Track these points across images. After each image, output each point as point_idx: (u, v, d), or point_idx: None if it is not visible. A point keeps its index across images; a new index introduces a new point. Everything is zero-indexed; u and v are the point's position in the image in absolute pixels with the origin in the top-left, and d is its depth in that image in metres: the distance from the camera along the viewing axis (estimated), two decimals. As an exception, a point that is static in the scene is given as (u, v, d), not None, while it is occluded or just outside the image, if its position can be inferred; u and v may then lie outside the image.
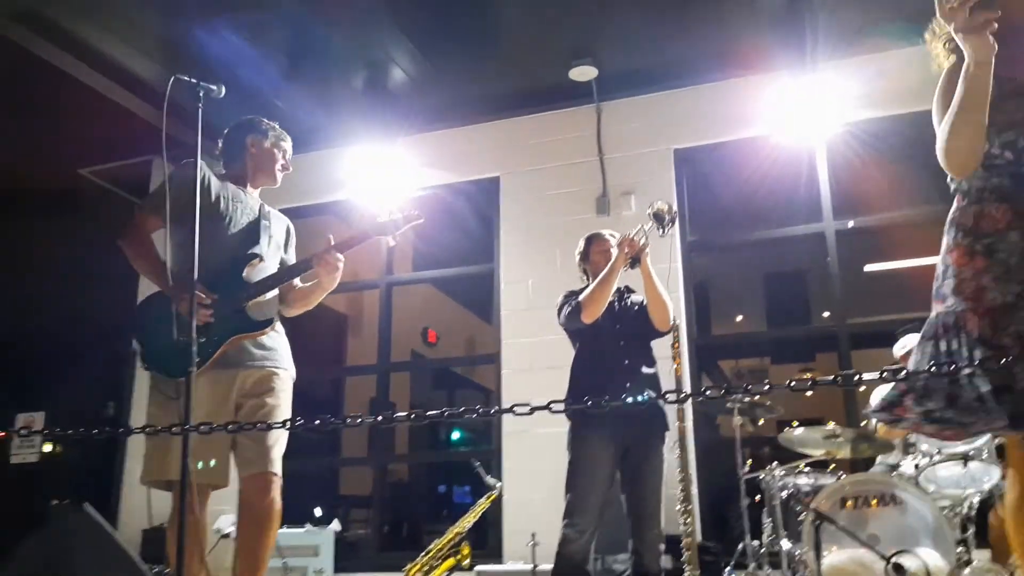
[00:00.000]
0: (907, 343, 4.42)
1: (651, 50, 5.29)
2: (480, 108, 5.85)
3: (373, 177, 5.84)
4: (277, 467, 2.74)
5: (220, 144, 3.07)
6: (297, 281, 2.98)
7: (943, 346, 1.97)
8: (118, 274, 3.00)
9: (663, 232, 3.57)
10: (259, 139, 3.02)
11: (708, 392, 1.70)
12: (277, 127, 3.09)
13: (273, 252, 2.97)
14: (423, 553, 4.71)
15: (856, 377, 1.67)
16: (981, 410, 1.89)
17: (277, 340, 2.88)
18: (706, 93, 5.50)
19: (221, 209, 2.83)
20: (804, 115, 5.12)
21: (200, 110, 2.62)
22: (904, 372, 1.78)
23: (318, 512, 5.52)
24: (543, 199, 5.72)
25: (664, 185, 5.46)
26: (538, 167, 5.80)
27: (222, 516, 4.93)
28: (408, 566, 4.67)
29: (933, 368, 1.91)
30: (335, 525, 5.25)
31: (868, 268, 8.28)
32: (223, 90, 2.66)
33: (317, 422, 1.80)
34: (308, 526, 5.13)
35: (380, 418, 1.76)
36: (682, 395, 1.53)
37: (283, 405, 2.80)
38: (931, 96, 2.09)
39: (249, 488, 2.72)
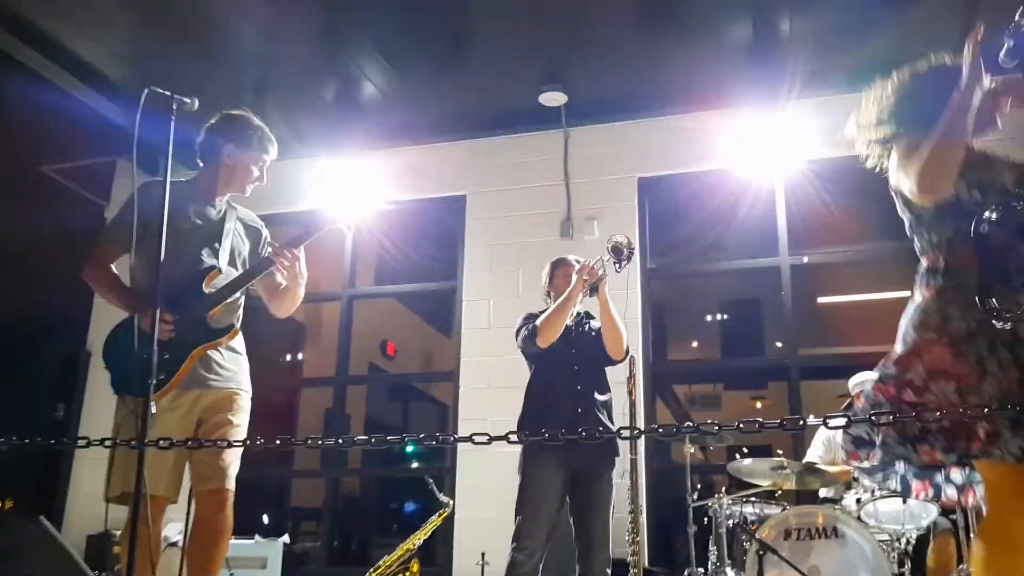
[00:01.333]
0: (861, 379, 4.55)
1: (620, 80, 5.39)
2: (450, 127, 5.90)
3: (340, 189, 5.86)
4: (232, 483, 2.76)
5: (199, 139, 2.96)
6: (280, 279, 2.96)
7: (900, 373, 2.08)
8: (73, 274, 2.95)
9: (619, 267, 3.61)
10: (237, 152, 2.93)
11: (660, 429, 1.75)
12: (263, 131, 2.97)
13: (234, 261, 2.94)
14: (372, 568, 4.70)
15: (801, 421, 1.74)
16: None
17: (239, 361, 2.89)
18: (672, 124, 5.62)
19: (181, 227, 2.80)
20: (765, 151, 5.27)
21: (172, 123, 2.62)
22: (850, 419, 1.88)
23: (267, 523, 5.48)
24: (508, 220, 5.78)
25: (627, 212, 5.56)
26: (505, 188, 5.86)
27: (169, 524, 4.88)
28: (357, 581, 4.67)
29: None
30: (284, 537, 5.21)
31: (821, 300, 8.47)
32: (196, 103, 2.67)
33: (277, 442, 1.82)
34: (257, 537, 5.09)
35: (340, 440, 1.79)
36: (635, 431, 1.58)
37: (243, 425, 2.83)
38: None
39: (205, 503, 2.73)
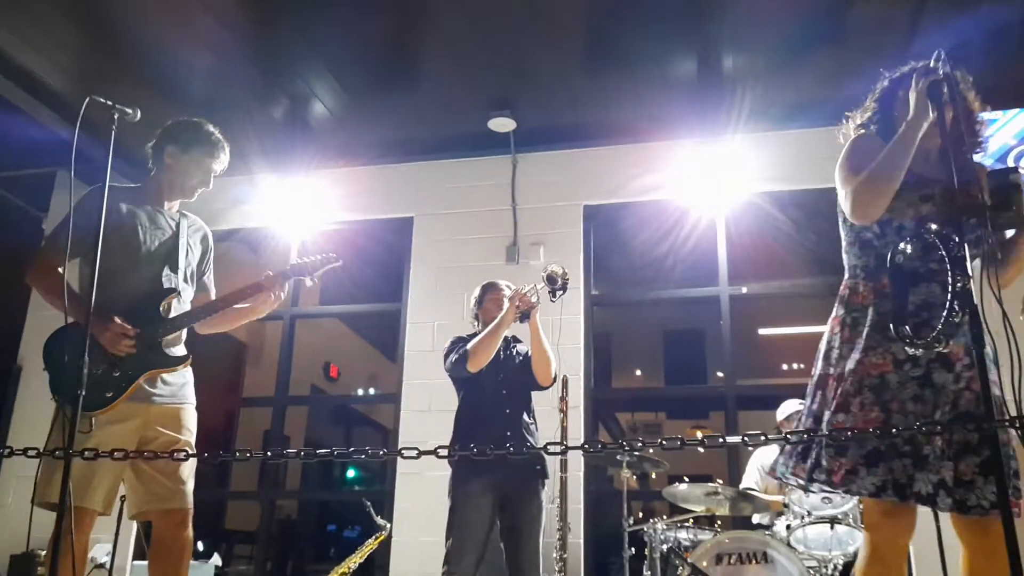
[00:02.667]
0: (787, 408, 4.66)
1: (568, 109, 5.48)
2: (399, 148, 5.93)
3: (286, 207, 5.83)
4: (190, 502, 2.74)
5: (148, 145, 2.95)
6: (244, 304, 2.94)
7: (812, 405, 2.24)
8: (6, 287, 2.89)
9: (554, 297, 3.65)
10: (176, 151, 2.89)
11: (586, 446, 1.79)
12: (212, 137, 2.93)
13: (189, 279, 2.92)
14: (306, 592, 4.64)
15: (721, 439, 1.79)
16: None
17: (184, 374, 2.85)
18: (618, 154, 5.72)
19: (133, 237, 2.77)
20: (708, 183, 5.40)
21: (113, 132, 2.59)
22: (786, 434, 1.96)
23: (200, 546, 5.36)
24: (454, 243, 5.81)
25: (572, 239, 5.63)
26: (452, 211, 5.89)
27: (97, 545, 4.75)
28: (289, 605, 4.59)
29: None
30: (215, 559, 5.11)
31: (762, 332, 8.65)
32: (138, 114, 2.65)
33: (206, 455, 1.81)
34: (188, 559, 4.97)
35: (269, 453, 1.79)
36: (563, 446, 1.61)
37: (193, 441, 2.79)
38: (827, 175, 2.35)
39: (164, 523, 2.70)
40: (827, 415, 2.16)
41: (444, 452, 1.74)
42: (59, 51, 4.91)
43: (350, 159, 5.97)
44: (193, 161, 2.90)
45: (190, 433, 2.80)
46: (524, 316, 3.62)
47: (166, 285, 2.79)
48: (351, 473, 11.50)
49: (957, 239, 1.91)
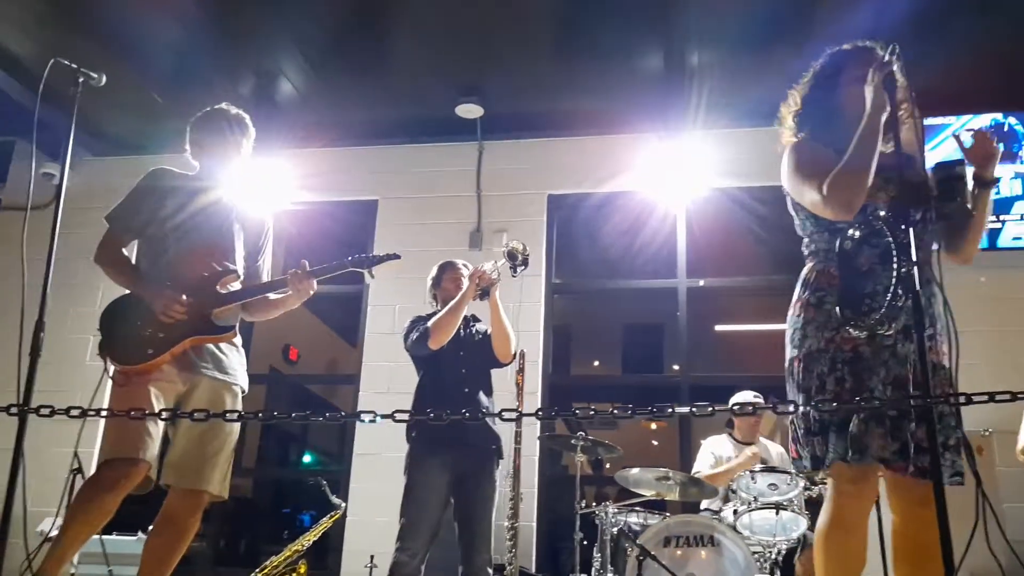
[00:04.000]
0: (739, 399, 4.77)
1: (536, 98, 5.53)
2: (365, 131, 5.94)
3: (250, 185, 5.79)
4: (219, 490, 2.74)
5: (187, 135, 3.01)
6: (273, 296, 2.96)
7: (788, 388, 2.31)
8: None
9: (515, 272, 3.69)
10: (197, 151, 2.98)
11: (539, 412, 1.84)
12: (228, 127, 3.00)
13: (243, 259, 2.95)
14: (258, 569, 4.64)
15: (670, 409, 1.86)
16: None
17: (238, 357, 2.88)
18: (584, 145, 5.79)
19: (191, 213, 2.82)
20: (671, 176, 5.49)
21: (77, 97, 2.59)
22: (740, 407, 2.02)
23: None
24: (418, 227, 5.83)
25: (535, 227, 5.69)
26: (417, 196, 5.92)
27: (47, 519, 4.70)
28: (241, 581, 4.60)
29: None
30: (168, 535, 5.08)
31: (719, 328, 8.80)
32: (103, 79, 2.64)
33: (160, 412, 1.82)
34: (140, 534, 4.94)
35: (225, 413, 1.81)
36: (517, 412, 1.66)
37: (237, 427, 2.80)
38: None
39: (179, 501, 2.70)
40: (801, 398, 2.21)
41: (402, 416, 1.78)
42: (23, 16, 4.84)
43: (316, 140, 5.96)
44: (216, 154, 2.96)
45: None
46: (484, 294, 3.65)
47: (222, 265, 2.83)
48: (307, 458, 11.47)
49: (904, 226, 1.99)
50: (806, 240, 2.44)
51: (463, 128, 5.71)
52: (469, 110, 5.53)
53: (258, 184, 5.78)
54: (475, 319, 3.90)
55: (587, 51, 5.00)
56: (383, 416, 1.82)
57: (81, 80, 2.59)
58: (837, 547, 2.21)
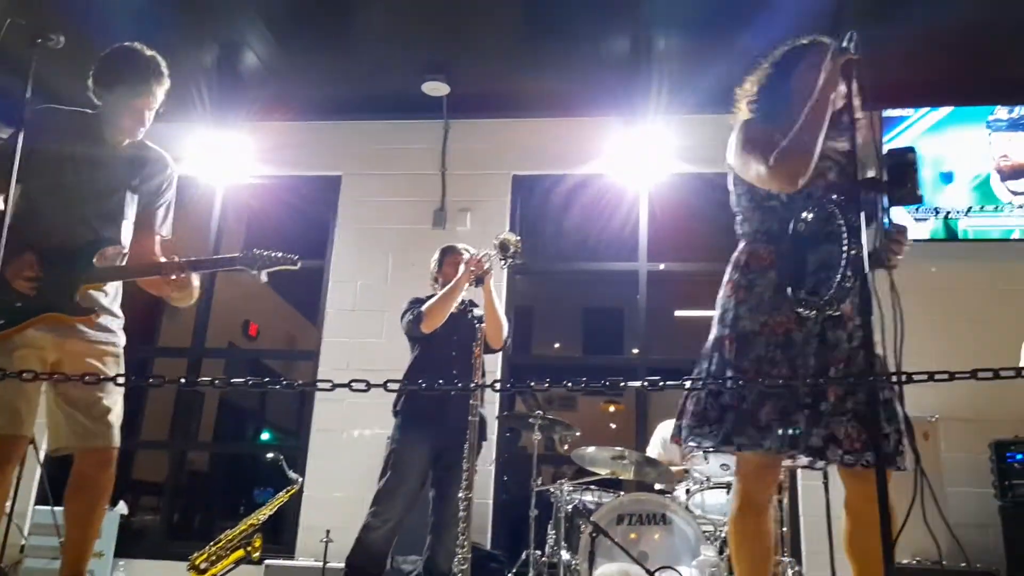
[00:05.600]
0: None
1: (503, 78, 5.52)
2: (330, 106, 5.88)
3: (211, 157, 5.72)
4: (116, 442, 2.67)
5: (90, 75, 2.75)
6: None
7: (705, 365, 2.35)
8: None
9: (504, 263, 3.79)
10: (101, 92, 2.72)
11: (494, 384, 1.86)
12: (139, 73, 2.70)
13: (129, 220, 2.75)
14: (212, 543, 4.63)
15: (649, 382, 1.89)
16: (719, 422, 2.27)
17: (115, 322, 2.74)
18: (549, 127, 5.80)
19: (74, 169, 2.64)
20: (635, 160, 5.53)
21: (34, 60, 2.52)
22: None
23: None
24: (382, 205, 5.81)
25: (499, 207, 5.71)
26: (381, 172, 5.89)
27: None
28: (195, 555, 4.58)
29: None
30: (121, 508, 5.04)
31: (678, 313, 8.90)
32: (62, 40, 2.57)
33: (117, 379, 1.81)
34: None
35: (183, 380, 1.81)
36: (482, 384, 1.68)
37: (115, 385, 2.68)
38: None
39: (87, 462, 2.63)
40: (729, 373, 2.27)
41: (359, 386, 1.79)
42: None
43: (280, 113, 5.89)
44: (121, 100, 2.70)
45: (112, 368, 2.68)
46: (479, 280, 3.74)
47: (101, 232, 2.66)
48: (265, 435, 11.41)
49: (855, 210, 2.04)
50: (739, 219, 2.49)
51: (429, 106, 5.68)
52: (435, 88, 5.50)
53: (220, 156, 5.72)
54: (473, 304, 3.95)
55: (555, 33, 5.00)
56: (374, 385, 1.82)
57: (39, 41, 2.51)
58: (750, 533, 2.31)
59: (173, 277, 2.62)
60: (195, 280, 2.70)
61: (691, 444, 2.36)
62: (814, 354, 2.24)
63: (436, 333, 3.69)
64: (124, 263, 2.77)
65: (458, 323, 3.79)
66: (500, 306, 3.80)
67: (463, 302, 3.85)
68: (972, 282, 5.06)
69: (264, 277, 2.70)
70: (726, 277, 2.42)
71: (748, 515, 2.32)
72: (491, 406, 4.96)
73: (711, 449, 2.34)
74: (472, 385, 1.80)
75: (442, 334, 3.72)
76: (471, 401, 3.62)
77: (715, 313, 2.41)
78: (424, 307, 3.71)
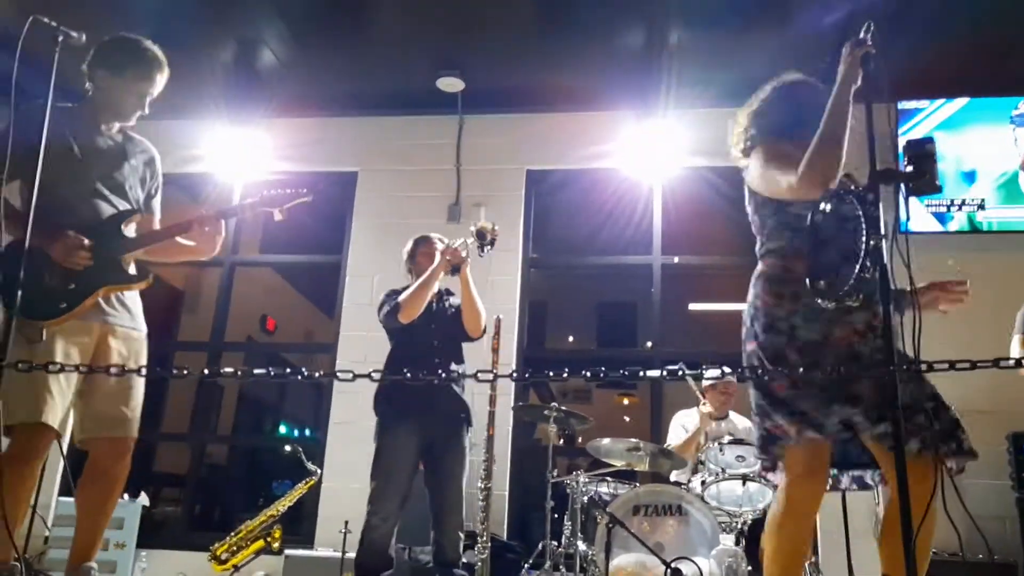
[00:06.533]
0: (711, 375, 4.85)
1: (517, 73, 5.54)
2: (346, 102, 5.93)
3: (229, 154, 5.78)
4: (135, 432, 2.72)
5: (84, 65, 2.83)
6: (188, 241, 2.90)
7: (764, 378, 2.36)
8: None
9: (482, 251, 3.76)
10: (107, 75, 2.79)
11: (513, 374, 1.89)
12: (147, 56, 2.81)
13: (136, 202, 2.86)
14: (232, 533, 4.69)
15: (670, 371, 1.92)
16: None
17: (138, 302, 2.82)
18: (563, 121, 5.82)
19: (72, 157, 2.71)
20: (649, 155, 5.55)
21: (56, 57, 2.56)
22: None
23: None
24: (398, 199, 5.86)
25: (514, 202, 5.73)
26: (397, 168, 5.93)
27: None
28: (215, 545, 4.65)
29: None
30: (143, 499, 5.12)
31: (692, 307, 8.90)
32: (83, 37, 2.61)
33: (143, 371, 1.86)
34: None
35: (207, 371, 1.85)
36: (493, 374, 1.71)
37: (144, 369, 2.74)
38: None
39: (105, 451, 2.67)
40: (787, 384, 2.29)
41: (378, 375, 1.83)
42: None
43: (297, 110, 5.95)
44: (126, 84, 2.79)
45: (143, 361, 2.78)
46: (455, 269, 3.73)
47: (117, 207, 2.75)
48: (283, 429, 11.50)
49: (872, 200, 2.06)
50: (763, 239, 2.51)
51: (444, 102, 5.72)
52: (450, 83, 5.54)
53: (239, 153, 5.78)
54: (449, 293, 3.97)
55: (568, 27, 5.02)
56: (359, 376, 1.86)
57: (60, 39, 2.55)
58: (787, 536, 2.32)
59: (206, 230, 2.78)
60: (222, 229, 2.87)
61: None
62: (879, 364, 2.22)
63: (415, 323, 3.68)
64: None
65: (436, 313, 3.82)
66: (477, 295, 3.76)
67: (439, 291, 3.86)
68: (993, 273, 5.01)
69: (278, 215, 2.89)
70: (756, 291, 2.43)
71: (792, 518, 2.33)
72: (505, 398, 4.99)
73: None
74: (494, 374, 1.83)
75: (421, 324, 3.71)
76: (461, 390, 3.67)
77: (750, 326, 2.42)
78: (400, 298, 3.71)
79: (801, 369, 2.28)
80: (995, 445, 4.51)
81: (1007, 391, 3.72)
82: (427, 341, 3.73)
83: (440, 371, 3.59)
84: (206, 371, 1.87)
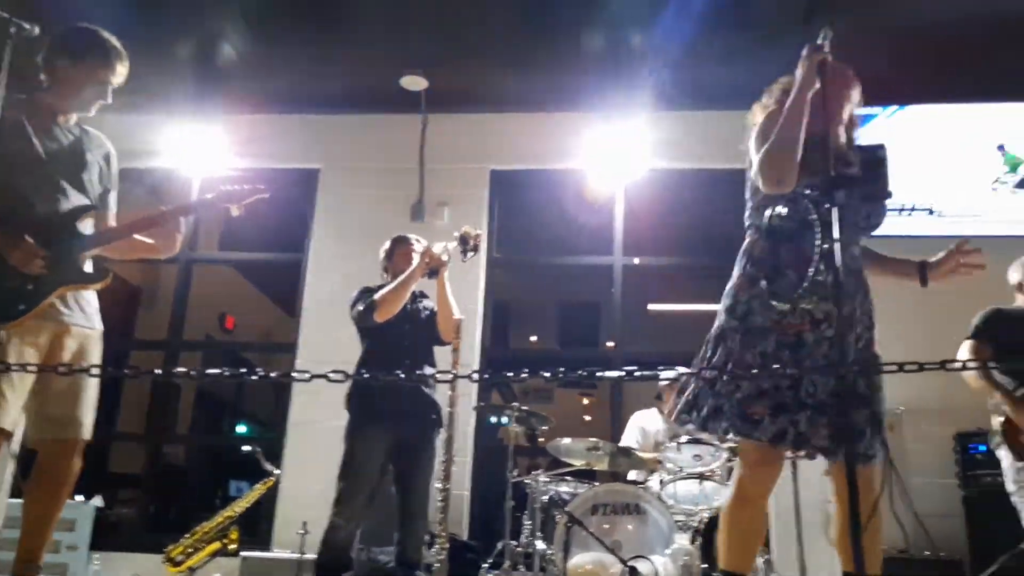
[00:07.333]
0: (670, 374, 4.90)
1: (481, 72, 5.54)
2: (309, 99, 5.87)
3: (189, 150, 5.71)
4: (87, 434, 2.68)
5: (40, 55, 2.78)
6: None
7: (708, 353, 2.39)
8: None
9: (464, 257, 3.75)
10: (67, 64, 2.73)
11: (472, 375, 1.90)
12: (107, 45, 2.77)
13: (93, 196, 2.81)
14: (188, 535, 4.64)
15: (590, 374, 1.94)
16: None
17: (94, 300, 2.79)
18: (527, 122, 5.83)
19: (29, 150, 2.66)
20: (612, 156, 5.58)
21: (8, 49, 2.51)
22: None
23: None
24: (360, 197, 5.83)
25: (478, 201, 5.75)
26: (359, 166, 5.91)
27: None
28: (170, 547, 4.59)
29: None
30: (97, 500, 5.04)
31: (651, 307, 8.99)
32: (37, 29, 2.57)
33: (97, 370, 1.83)
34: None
35: (159, 371, 1.83)
36: (453, 375, 1.72)
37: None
38: (726, 156, 2.55)
39: (55, 451, 2.64)
40: (730, 364, 2.30)
41: (336, 376, 1.82)
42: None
43: (258, 106, 5.89)
44: (88, 72, 2.74)
45: (95, 360, 2.75)
46: (432, 272, 3.70)
47: (75, 201, 2.71)
48: (242, 428, 11.37)
49: (828, 205, 2.09)
50: (749, 209, 2.52)
51: (408, 100, 5.69)
52: (414, 82, 5.52)
53: (199, 148, 5.71)
54: (423, 295, 3.95)
55: (534, 28, 5.03)
56: (316, 376, 1.86)
57: (14, 31, 2.51)
58: (740, 523, 2.37)
59: (165, 228, 2.76)
60: (182, 226, 2.87)
61: (682, 424, 2.43)
62: (824, 356, 2.26)
63: (389, 324, 3.63)
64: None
65: (410, 314, 3.78)
66: (453, 300, 3.75)
67: (414, 293, 3.84)
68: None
69: (236, 211, 2.89)
70: (739, 268, 2.43)
71: (743, 507, 2.37)
72: (467, 398, 5.00)
73: (694, 431, 2.40)
74: (453, 374, 1.83)
75: (394, 325, 3.66)
76: (432, 391, 3.66)
77: (723, 303, 2.42)
78: (377, 296, 3.66)
79: (738, 356, 2.31)
80: (942, 444, 4.63)
81: (955, 392, 3.81)
82: (400, 342, 3.69)
83: (405, 372, 3.57)
84: (158, 371, 1.85)
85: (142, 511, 5.76)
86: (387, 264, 3.95)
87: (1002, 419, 3.46)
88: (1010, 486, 3.42)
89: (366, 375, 1.88)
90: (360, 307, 3.70)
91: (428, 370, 3.72)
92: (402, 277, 3.68)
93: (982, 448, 4.35)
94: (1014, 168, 5.18)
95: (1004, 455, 3.46)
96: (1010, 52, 4.92)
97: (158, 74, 5.47)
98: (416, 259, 3.73)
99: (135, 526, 5.68)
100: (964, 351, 3.61)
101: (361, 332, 3.80)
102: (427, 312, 3.88)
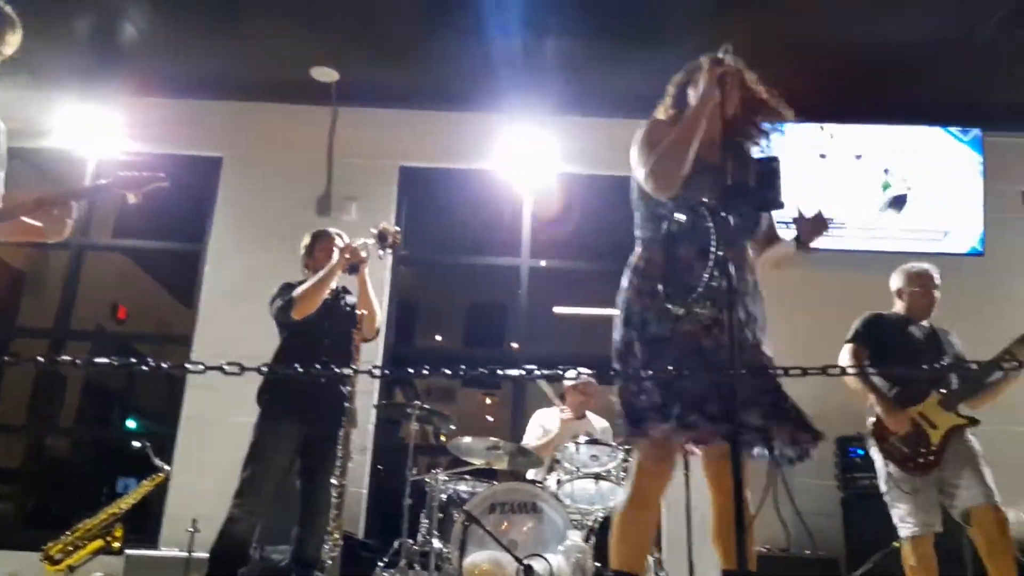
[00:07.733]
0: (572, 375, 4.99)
1: (394, 68, 5.49)
2: (213, 85, 5.70)
3: (85, 130, 5.47)
4: None
5: None
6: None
7: (620, 367, 2.44)
8: None
9: (383, 253, 3.72)
10: None
11: (372, 370, 1.90)
12: (5, 10, 2.58)
13: None
14: (69, 532, 4.45)
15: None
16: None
17: None
18: (439, 120, 5.81)
19: None
20: (520, 158, 5.64)
21: None
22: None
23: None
24: (265, 189, 5.70)
25: (386, 197, 5.70)
26: (265, 156, 5.78)
27: None
28: (48, 544, 4.40)
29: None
30: (-30, 495, 4.77)
31: (556, 310, 9.11)
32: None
33: None
34: None
35: (42, 359, 1.75)
36: (354, 369, 1.71)
37: None
38: (628, 166, 2.54)
39: None
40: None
41: (232, 368, 1.78)
42: None
43: (159, 89, 5.68)
44: None
45: None
46: (353, 268, 3.68)
47: None
48: (132, 423, 10.96)
49: (723, 213, 2.17)
50: (637, 221, 2.58)
51: (318, 91, 5.59)
52: (324, 73, 5.44)
53: (95, 129, 5.47)
54: (346, 291, 3.91)
55: (449, 26, 5.03)
56: (211, 368, 1.82)
57: None
58: (635, 524, 2.42)
59: (55, 212, 2.60)
60: (73, 212, 2.71)
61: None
62: (726, 358, 2.34)
63: (308, 320, 3.61)
64: None
65: (331, 310, 3.76)
66: (375, 296, 3.75)
67: (335, 289, 3.81)
68: (848, 288, 5.32)
69: (133, 199, 2.74)
70: (626, 280, 2.49)
71: (638, 507, 2.41)
72: (369, 396, 4.96)
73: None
74: (353, 369, 1.83)
75: (314, 321, 3.64)
76: (346, 388, 3.62)
77: (618, 313, 2.47)
78: (296, 292, 3.62)
79: (645, 367, 2.37)
80: (823, 448, 4.84)
81: (836, 398, 4.00)
82: (318, 339, 3.65)
83: (315, 368, 3.52)
84: (40, 358, 1.77)
85: (20, 506, 5.48)
86: (307, 260, 3.90)
87: (873, 420, 3.65)
88: (883, 486, 3.61)
89: (263, 368, 1.84)
90: (279, 303, 3.67)
91: (343, 368, 3.68)
92: (321, 273, 3.64)
93: (861, 452, 4.58)
94: (884, 189, 5.50)
95: (876, 456, 3.65)
96: (898, 79, 5.20)
97: (53, 48, 5.22)
98: (336, 255, 3.68)
99: (11, 522, 5.40)
100: (844, 354, 3.79)
101: (280, 328, 3.76)
102: (349, 308, 3.85)
